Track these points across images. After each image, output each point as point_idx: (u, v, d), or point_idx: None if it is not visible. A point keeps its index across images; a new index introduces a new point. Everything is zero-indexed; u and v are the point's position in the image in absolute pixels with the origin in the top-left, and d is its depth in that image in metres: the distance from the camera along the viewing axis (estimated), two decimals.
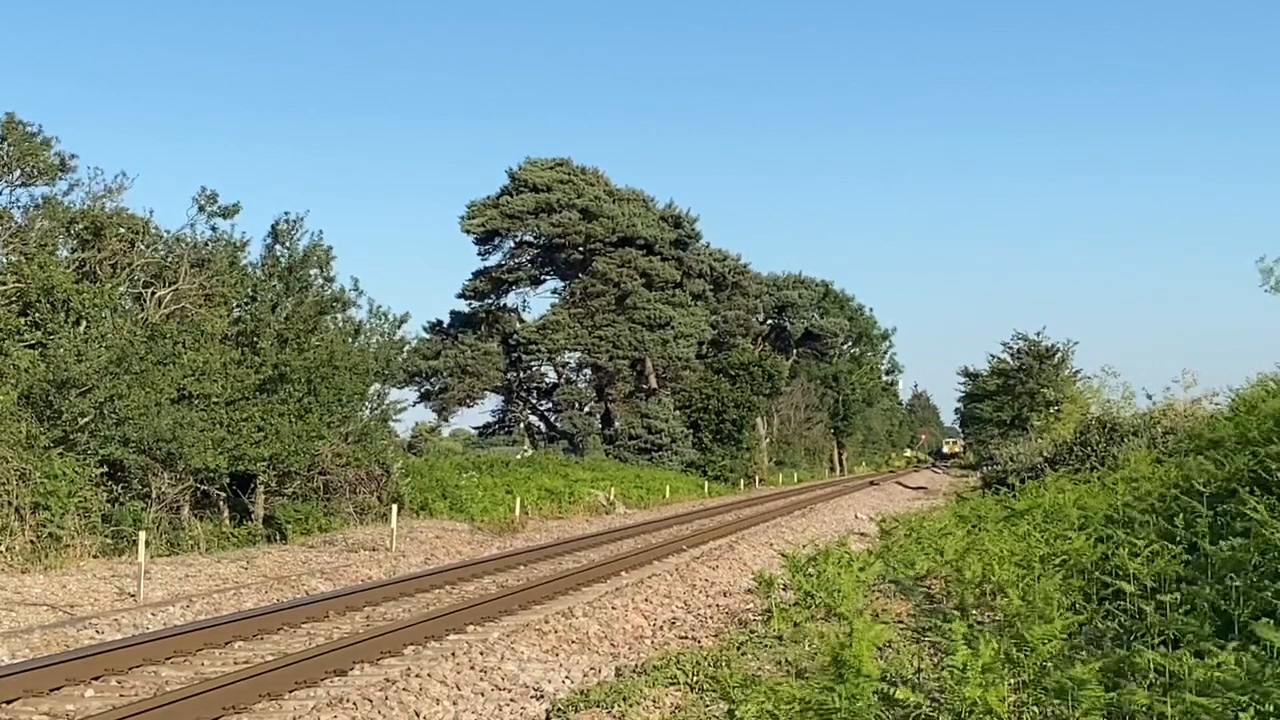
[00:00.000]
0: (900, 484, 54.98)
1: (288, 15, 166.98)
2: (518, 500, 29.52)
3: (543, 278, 53.95)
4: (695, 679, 8.18)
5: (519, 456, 43.97)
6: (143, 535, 15.39)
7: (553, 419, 52.91)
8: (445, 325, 52.21)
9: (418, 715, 7.92)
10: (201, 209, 22.69)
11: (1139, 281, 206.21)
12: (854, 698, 5.53)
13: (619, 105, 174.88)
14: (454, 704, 8.20)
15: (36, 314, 18.21)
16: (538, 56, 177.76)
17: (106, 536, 17.30)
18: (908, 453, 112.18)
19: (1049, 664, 6.01)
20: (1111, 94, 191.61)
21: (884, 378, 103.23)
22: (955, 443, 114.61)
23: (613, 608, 12.63)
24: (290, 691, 8.81)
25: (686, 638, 10.89)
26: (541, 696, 8.44)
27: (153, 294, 21.24)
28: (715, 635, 10.74)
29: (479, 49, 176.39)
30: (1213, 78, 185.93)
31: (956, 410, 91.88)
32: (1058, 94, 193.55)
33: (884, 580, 12.59)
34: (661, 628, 11.84)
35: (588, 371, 53.54)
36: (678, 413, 52.54)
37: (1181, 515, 9.83)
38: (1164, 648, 6.14)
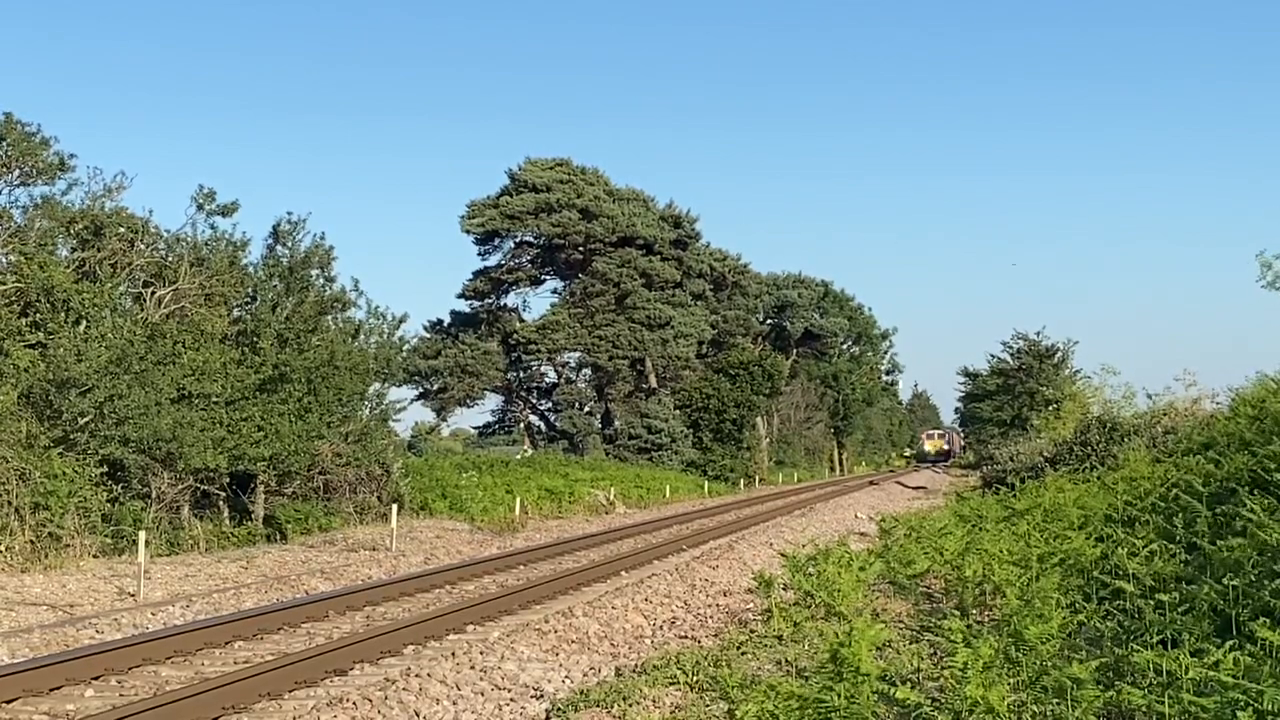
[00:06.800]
0: (900, 484, 54.97)
1: (288, 15, 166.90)
2: (518, 500, 29.54)
3: (543, 278, 54.00)
4: (695, 679, 8.18)
5: (519, 456, 44.01)
6: (143, 535, 15.41)
7: (553, 419, 52.93)
8: (445, 325, 52.24)
9: (418, 715, 7.92)
10: (200, 207, 22.69)
11: (1139, 281, 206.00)
12: (853, 697, 5.54)
13: (619, 105, 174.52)
14: (454, 704, 8.20)
15: (36, 314, 18.21)
16: (538, 56, 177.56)
17: (106, 536, 17.32)
18: (908, 452, 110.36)
19: (1048, 663, 6.02)
20: (1112, 93, 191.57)
21: (884, 378, 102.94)
22: (943, 437, 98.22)
23: (613, 607, 12.63)
24: (290, 691, 8.81)
25: (686, 637, 10.89)
26: (541, 696, 8.45)
27: (153, 294, 21.25)
28: (715, 635, 10.74)
29: (479, 48, 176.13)
30: (1213, 76, 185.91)
31: (956, 410, 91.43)
32: (1058, 94, 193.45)
33: (884, 580, 12.60)
34: (661, 627, 11.85)
35: (588, 371, 53.57)
36: (678, 412, 52.56)
37: (1181, 515, 9.85)
38: (1162, 647, 6.15)
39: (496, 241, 51.91)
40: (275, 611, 12.50)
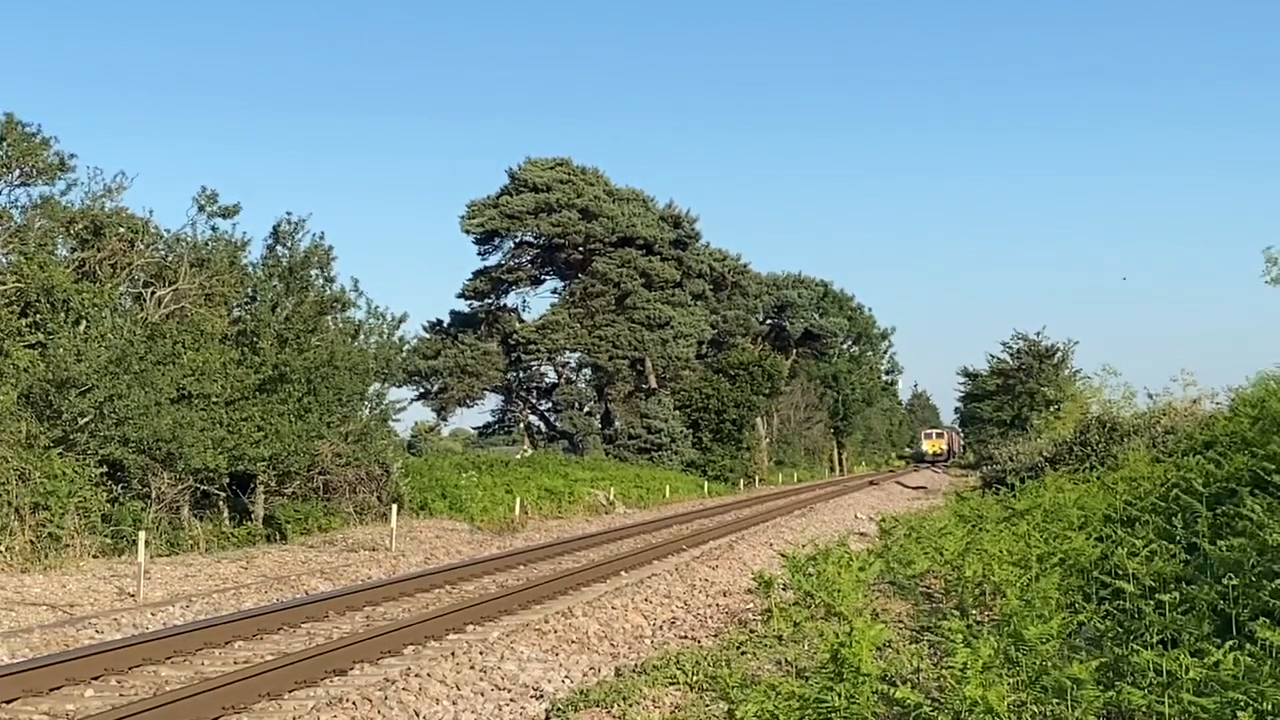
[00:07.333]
0: (900, 484, 54.97)
1: (288, 15, 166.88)
2: (517, 500, 29.53)
3: (543, 278, 54.03)
4: (695, 679, 8.18)
5: (519, 456, 44.00)
6: (143, 535, 15.41)
7: (553, 419, 52.93)
8: (445, 325, 52.25)
9: (417, 715, 7.92)
10: (202, 209, 22.69)
11: (1139, 281, 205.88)
12: (853, 697, 5.54)
13: (619, 105, 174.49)
14: (454, 704, 8.21)
15: (36, 314, 18.22)
16: (538, 56, 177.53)
17: (106, 536, 17.32)
18: (906, 452, 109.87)
19: (1048, 663, 6.02)
20: (1112, 93, 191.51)
21: (884, 377, 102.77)
22: (942, 437, 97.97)
23: (612, 607, 12.64)
24: (290, 691, 8.82)
25: (686, 637, 10.89)
26: (541, 696, 8.45)
27: (153, 294, 21.25)
28: (715, 635, 10.75)
29: (479, 48, 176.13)
30: (1213, 76, 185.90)
31: (956, 410, 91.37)
32: (1058, 94, 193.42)
33: (884, 580, 12.60)
34: (661, 627, 11.85)
35: (588, 371, 53.56)
36: (677, 412, 52.56)
37: (1181, 515, 9.86)
38: (1162, 647, 6.15)
39: (496, 241, 51.93)
40: (275, 612, 12.50)
